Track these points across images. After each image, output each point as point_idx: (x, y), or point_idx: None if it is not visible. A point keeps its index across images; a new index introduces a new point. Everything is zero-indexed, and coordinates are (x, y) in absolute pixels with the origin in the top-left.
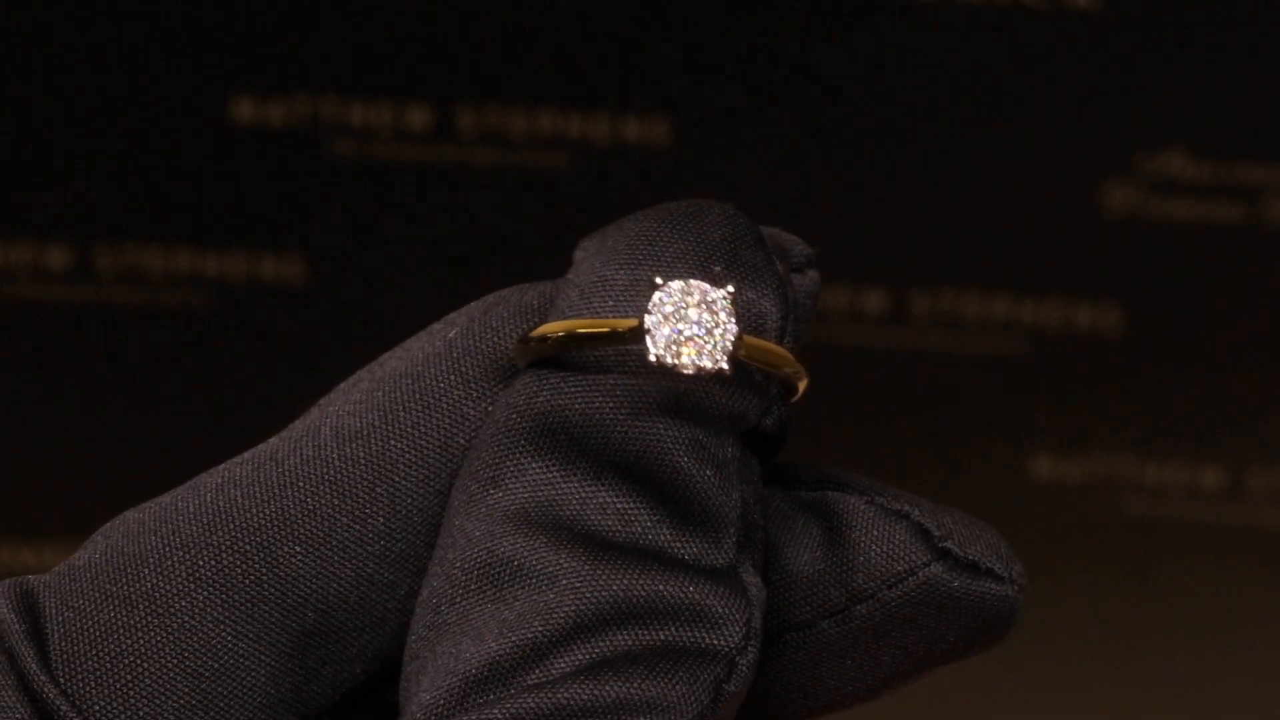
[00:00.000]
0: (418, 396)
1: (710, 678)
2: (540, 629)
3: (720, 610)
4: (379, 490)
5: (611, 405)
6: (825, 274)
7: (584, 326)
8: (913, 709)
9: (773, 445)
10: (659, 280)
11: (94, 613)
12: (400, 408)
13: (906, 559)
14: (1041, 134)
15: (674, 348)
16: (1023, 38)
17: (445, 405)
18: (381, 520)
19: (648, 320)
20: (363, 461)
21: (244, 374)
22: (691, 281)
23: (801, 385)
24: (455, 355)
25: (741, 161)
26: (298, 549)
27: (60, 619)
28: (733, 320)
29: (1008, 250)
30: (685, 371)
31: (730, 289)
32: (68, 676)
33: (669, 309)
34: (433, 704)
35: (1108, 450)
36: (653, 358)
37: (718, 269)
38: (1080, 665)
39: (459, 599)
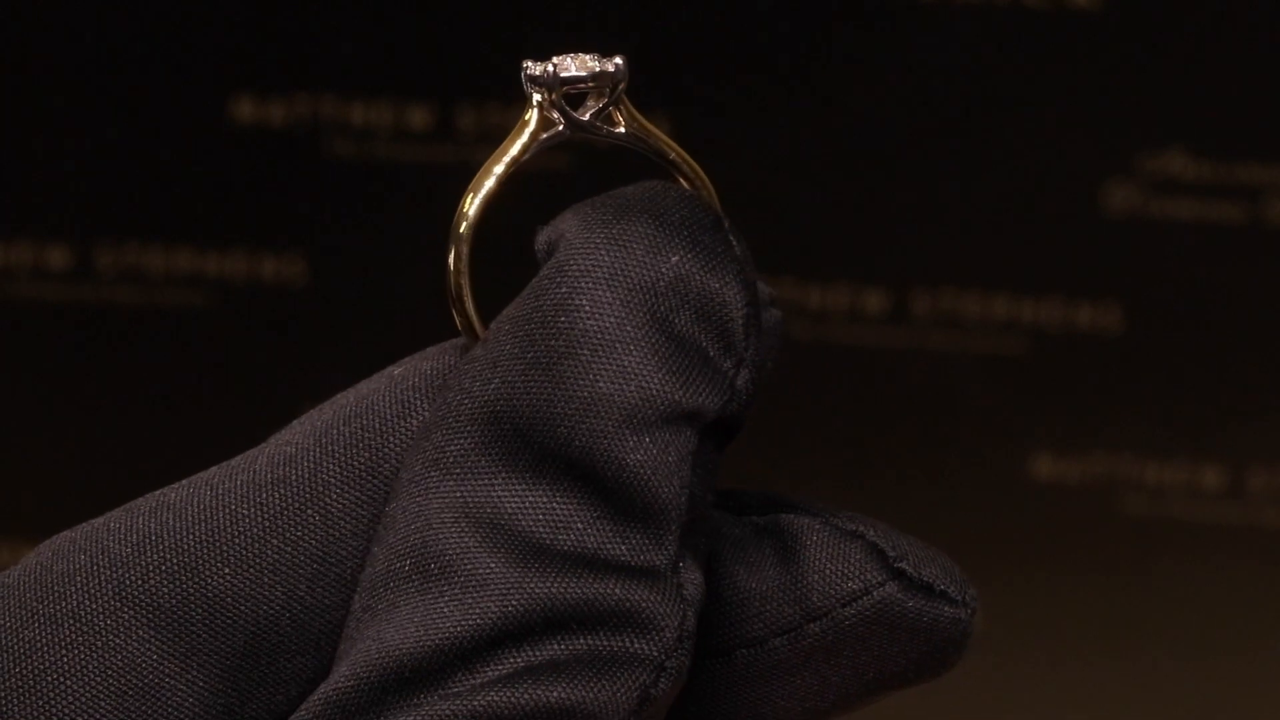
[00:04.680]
0: (353, 419)
1: (637, 683)
2: (463, 630)
3: (652, 612)
4: (310, 512)
5: (562, 399)
6: (825, 274)
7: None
8: (911, 709)
9: (729, 430)
10: (529, 62)
11: (18, 630)
12: (334, 431)
13: (861, 578)
14: (1041, 134)
15: (554, 63)
16: (1023, 38)
17: (378, 426)
18: (314, 543)
19: (528, 65)
20: (294, 484)
21: (244, 374)
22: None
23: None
24: (395, 385)
25: (741, 161)
26: (226, 570)
27: None
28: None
29: (1008, 250)
30: (581, 75)
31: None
32: None
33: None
34: (350, 690)
35: (1108, 450)
36: (534, 71)
37: (675, 258)
38: (1080, 665)
39: (390, 585)
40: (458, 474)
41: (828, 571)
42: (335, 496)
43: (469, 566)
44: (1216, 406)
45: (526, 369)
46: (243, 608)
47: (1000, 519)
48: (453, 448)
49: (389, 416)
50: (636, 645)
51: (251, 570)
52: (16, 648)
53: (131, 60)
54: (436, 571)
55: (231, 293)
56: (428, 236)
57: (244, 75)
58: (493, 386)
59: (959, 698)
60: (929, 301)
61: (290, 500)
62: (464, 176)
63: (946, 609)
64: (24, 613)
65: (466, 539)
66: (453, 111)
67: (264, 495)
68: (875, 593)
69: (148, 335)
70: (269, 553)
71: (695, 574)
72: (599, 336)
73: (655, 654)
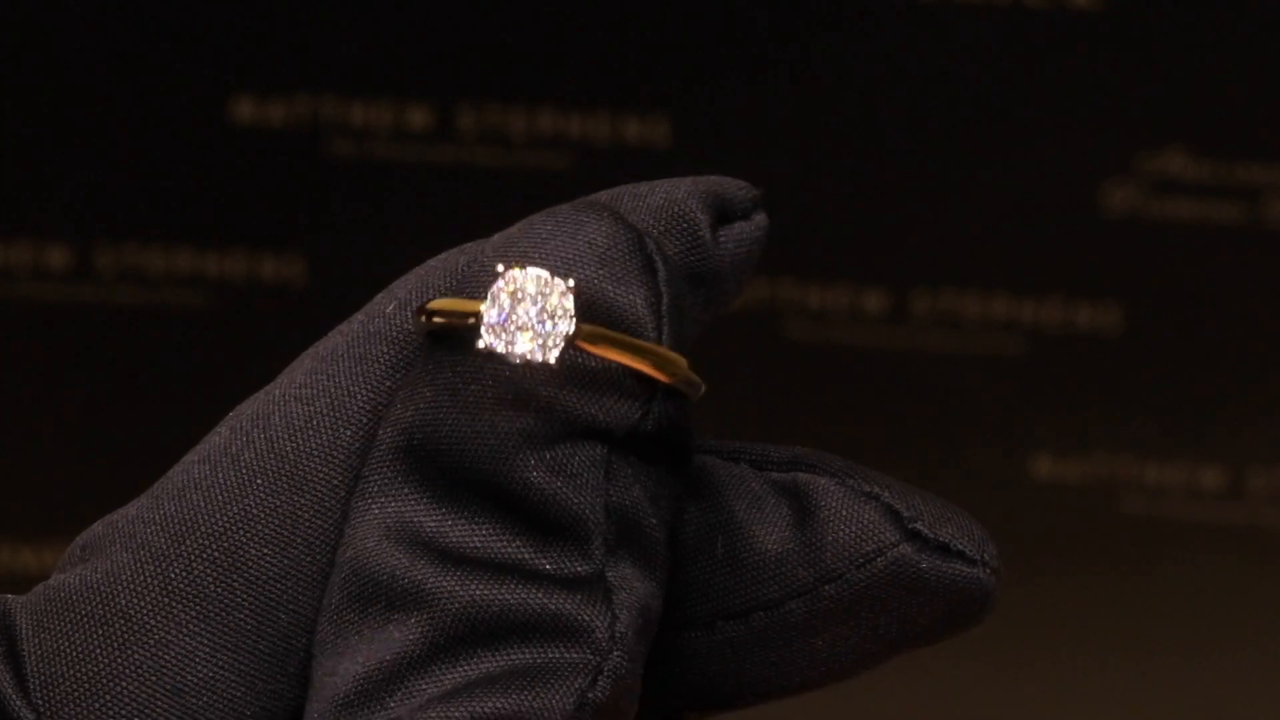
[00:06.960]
0: (362, 382)
1: (571, 689)
2: (399, 649)
3: (580, 619)
4: (336, 481)
5: (466, 424)
6: (825, 274)
7: (447, 307)
8: (912, 708)
9: (674, 448)
10: (500, 268)
11: (70, 634)
12: (347, 395)
13: (875, 539)
14: (1041, 134)
15: (504, 336)
16: (1023, 38)
17: (389, 391)
18: (340, 515)
19: (483, 307)
20: (316, 454)
21: (244, 374)
22: (530, 270)
23: (682, 380)
24: (394, 336)
25: (741, 161)
26: (266, 551)
27: (36, 642)
28: (569, 313)
29: (1008, 250)
30: (513, 361)
31: (572, 281)
32: (46, 700)
33: (504, 297)
34: None
35: (1108, 450)
36: (481, 344)
37: (586, 271)
38: (1080, 665)
39: (333, 617)
40: (381, 501)
41: (842, 533)
42: (358, 465)
43: (399, 583)
44: (1216, 406)
45: (436, 395)
46: (284, 586)
47: (1000, 519)
48: (377, 478)
49: (399, 385)
50: (568, 653)
51: (289, 548)
52: (69, 653)
53: (131, 60)
54: (370, 594)
55: (231, 293)
56: (427, 236)
57: (244, 75)
58: (409, 415)
59: (960, 697)
60: (929, 301)
61: (316, 471)
62: (464, 176)
63: (963, 568)
64: (73, 616)
65: (391, 557)
66: (453, 111)
67: (289, 466)
68: (889, 554)
69: (148, 335)
70: (302, 527)
71: (632, 580)
72: None
73: (588, 659)
